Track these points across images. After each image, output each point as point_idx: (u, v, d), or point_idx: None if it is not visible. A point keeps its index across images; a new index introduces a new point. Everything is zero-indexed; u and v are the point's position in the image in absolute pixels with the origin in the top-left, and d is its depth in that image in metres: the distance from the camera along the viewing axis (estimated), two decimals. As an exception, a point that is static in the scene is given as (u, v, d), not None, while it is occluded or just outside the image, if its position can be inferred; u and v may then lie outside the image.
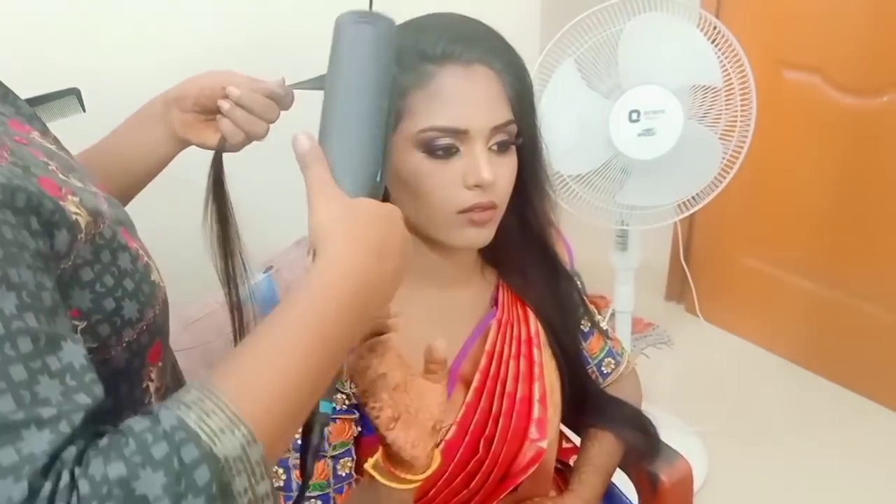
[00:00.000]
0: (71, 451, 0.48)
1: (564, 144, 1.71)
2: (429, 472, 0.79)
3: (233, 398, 0.52)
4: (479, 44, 0.89)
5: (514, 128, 0.91)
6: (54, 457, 0.47)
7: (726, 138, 1.73)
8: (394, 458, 0.77)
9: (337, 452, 0.92)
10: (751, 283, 2.64)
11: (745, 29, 1.92)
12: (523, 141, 0.94)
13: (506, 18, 1.88)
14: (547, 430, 1.00)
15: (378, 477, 0.78)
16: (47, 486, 0.46)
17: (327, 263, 0.62)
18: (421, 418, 0.77)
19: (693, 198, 1.79)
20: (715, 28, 1.68)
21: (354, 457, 0.95)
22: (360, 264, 0.63)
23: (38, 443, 0.47)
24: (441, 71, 0.87)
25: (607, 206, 1.77)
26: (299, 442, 0.72)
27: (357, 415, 0.94)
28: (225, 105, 0.85)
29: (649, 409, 2.19)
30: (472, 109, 0.88)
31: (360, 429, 0.94)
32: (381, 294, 0.66)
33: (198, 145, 0.91)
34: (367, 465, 0.79)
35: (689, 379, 2.51)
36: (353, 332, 0.64)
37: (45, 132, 0.73)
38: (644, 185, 1.73)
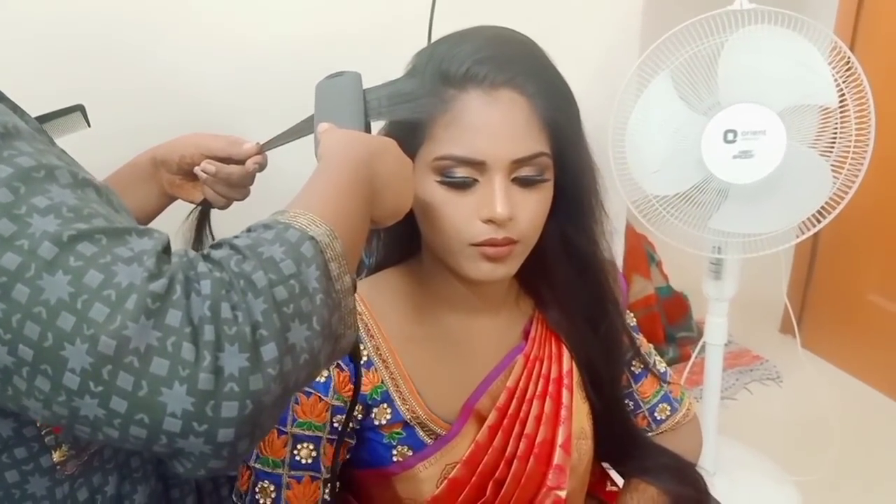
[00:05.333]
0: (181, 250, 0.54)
1: (653, 163, 1.60)
2: None
3: (308, 209, 0.59)
4: (510, 65, 0.82)
5: (544, 160, 0.84)
6: (165, 252, 0.53)
7: (838, 165, 1.56)
8: None
9: (329, 475, 0.88)
10: (875, 321, 2.41)
11: (876, 55, 1.74)
12: (563, 174, 0.87)
13: (604, 27, 1.79)
14: (567, 478, 0.92)
15: None
16: (176, 259, 0.52)
17: (330, 147, 0.71)
18: None
19: (803, 225, 1.63)
20: (838, 52, 1.51)
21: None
22: (358, 143, 0.72)
23: (146, 242, 0.52)
24: (462, 96, 0.81)
25: (698, 232, 1.64)
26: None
27: (354, 441, 0.90)
28: (203, 175, 0.90)
29: (743, 449, 2.06)
30: (492, 139, 0.81)
31: (347, 456, 0.90)
32: (385, 169, 0.72)
33: (186, 201, 0.97)
34: None
35: (795, 421, 2.31)
36: (369, 189, 0.69)
37: (52, 145, 0.74)
38: (741, 212, 1.59)
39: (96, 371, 0.48)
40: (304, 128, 0.84)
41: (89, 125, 0.93)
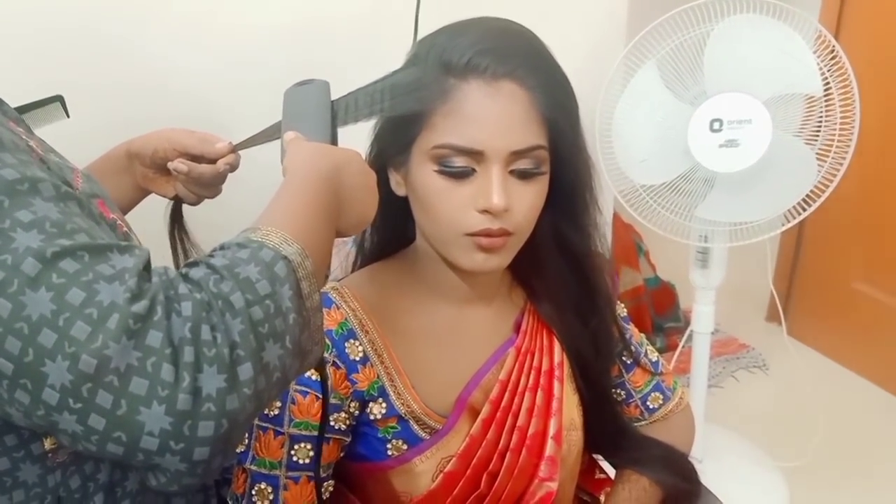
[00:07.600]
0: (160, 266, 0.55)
1: (640, 152, 1.60)
2: None
3: (278, 226, 0.60)
4: (512, 58, 0.81)
5: (542, 153, 0.84)
6: (146, 269, 0.53)
7: (823, 153, 1.57)
8: None
9: (325, 474, 0.88)
10: (860, 309, 2.43)
11: (861, 43, 1.75)
12: (559, 167, 0.86)
13: (590, 17, 1.78)
14: (559, 470, 0.92)
15: None
16: (157, 279, 0.53)
17: (295, 161, 0.71)
18: None
19: (789, 213, 1.64)
20: (823, 40, 1.52)
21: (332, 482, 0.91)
22: (323, 156, 0.72)
23: (127, 259, 0.53)
24: (463, 85, 0.81)
25: (685, 221, 1.64)
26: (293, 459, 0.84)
27: (350, 438, 0.89)
28: (173, 173, 0.90)
29: (730, 436, 2.07)
30: (491, 130, 0.81)
31: (342, 454, 0.89)
32: (350, 181, 0.72)
33: (159, 195, 0.97)
34: None
35: (781, 408, 2.33)
36: (335, 202, 0.70)
37: (30, 134, 0.73)
38: (727, 201, 1.60)
39: (76, 388, 0.48)
40: (272, 133, 0.84)
41: (68, 116, 0.92)
